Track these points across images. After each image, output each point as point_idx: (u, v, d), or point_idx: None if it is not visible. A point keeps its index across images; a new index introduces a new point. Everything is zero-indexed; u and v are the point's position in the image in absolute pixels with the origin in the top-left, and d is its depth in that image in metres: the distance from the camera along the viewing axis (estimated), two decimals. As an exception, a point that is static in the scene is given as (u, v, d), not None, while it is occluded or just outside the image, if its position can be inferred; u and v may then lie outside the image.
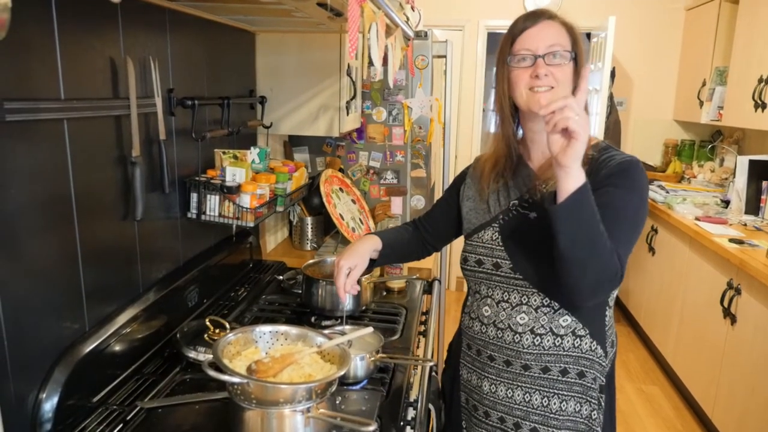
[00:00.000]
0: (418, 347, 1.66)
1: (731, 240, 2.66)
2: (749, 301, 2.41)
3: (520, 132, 1.24)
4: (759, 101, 2.96)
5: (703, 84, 3.70)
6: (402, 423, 1.19)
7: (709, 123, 3.65)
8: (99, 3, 1.13)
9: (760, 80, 2.96)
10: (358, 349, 1.31)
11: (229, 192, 1.55)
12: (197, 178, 1.57)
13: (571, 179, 0.95)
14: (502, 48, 1.16)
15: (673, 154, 4.22)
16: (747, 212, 3.14)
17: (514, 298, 1.17)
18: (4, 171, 0.93)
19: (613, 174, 1.08)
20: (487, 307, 1.21)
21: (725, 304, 2.59)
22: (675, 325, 3.21)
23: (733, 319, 2.53)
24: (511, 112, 1.19)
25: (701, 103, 3.71)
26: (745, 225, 2.96)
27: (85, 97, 1.12)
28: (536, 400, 1.17)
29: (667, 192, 3.61)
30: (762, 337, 2.31)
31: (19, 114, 0.94)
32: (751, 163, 3.13)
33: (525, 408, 1.18)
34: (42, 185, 1.02)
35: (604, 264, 0.99)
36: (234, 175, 1.59)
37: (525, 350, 1.16)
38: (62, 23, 1.03)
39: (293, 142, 2.58)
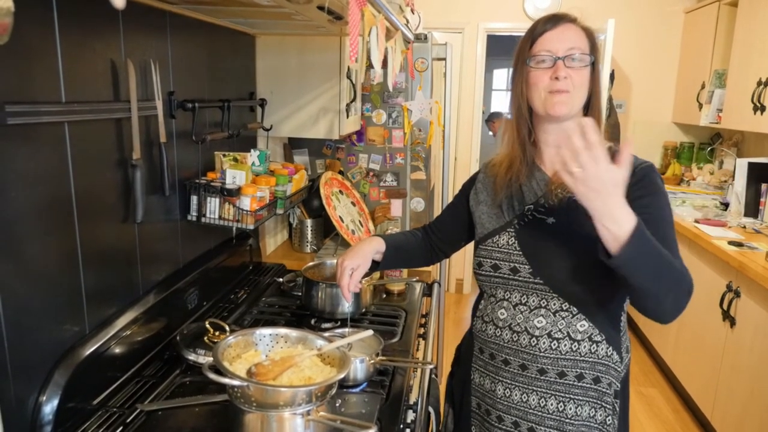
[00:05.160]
0: (417, 350, 1.66)
1: (730, 242, 2.66)
2: (748, 304, 2.42)
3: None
4: (758, 104, 2.97)
5: (702, 86, 3.70)
6: (402, 426, 1.19)
7: (708, 125, 3.66)
8: (100, 6, 1.13)
9: (759, 83, 2.97)
10: (358, 351, 1.31)
11: (229, 194, 1.55)
12: (197, 181, 1.57)
13: (616, 226, 0.93)
14: (520, 49, 1.16)
15: (673, 156, 4.22)
16: (746, 215, 3.14)
17: (533, 301, 1.17)
18: (5, 174, 0.93)
19: (640, 188, 1.09)
20: (503, 310, 1.21)
21: (724, 306, 2.59)
22: (674, 327, 3.21)
23: (733, 322, 2.53)
24: (527, 115, 1.19)
25: (700, 106, 3.72)
26: (745, 227, 2.96)
27: (86, 100, 1.12)
28: (551, 405, 1.16)
29: (667, 194, 3.62)
30: (761, 339, 2.31)
31: (20, 117, 0.94)
32: (750, 165, 3.13)
33: (540, 413, 1.17)
34: (43, 188, 1.02)
35: (678, 287, 1.01)
36: (234, 177, 1.60)
37: (542, 354, 1.15)
38: (63, 26, 1.03)
39: (293, 145, 2.58)
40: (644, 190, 1.10)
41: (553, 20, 1.14)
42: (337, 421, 1.00)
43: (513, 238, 1.19)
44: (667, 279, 0.99)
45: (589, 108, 1.16)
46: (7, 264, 0.95)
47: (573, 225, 1.13)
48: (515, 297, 1.19)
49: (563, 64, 1.10)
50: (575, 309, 1.14)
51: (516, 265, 1.18)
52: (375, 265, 1.35)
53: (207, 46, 1.65)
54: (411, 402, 1.31)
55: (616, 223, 0.93)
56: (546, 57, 1.12)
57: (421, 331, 1.76)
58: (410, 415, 1.25)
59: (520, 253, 1.18)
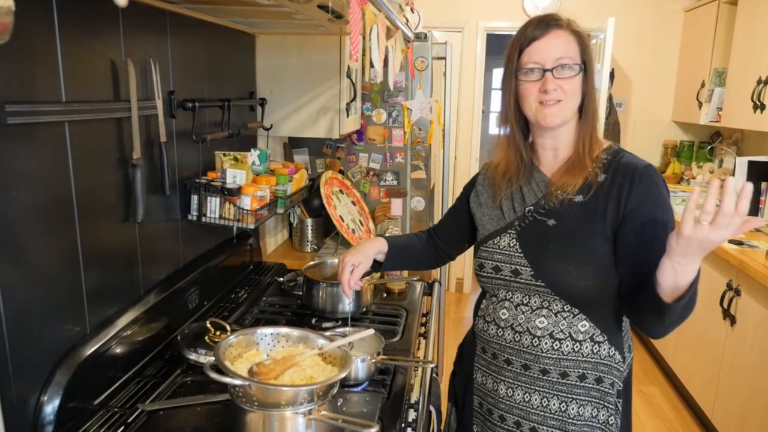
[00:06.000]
0: (418, 349, 1.66)
1: (730, 241, 2.66)
2: (749, 302, 2.42)
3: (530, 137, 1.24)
4: (758, 102, 2.97)
5: (702, 85, 3.70)
6: (403, 425, 1.19)
7: (708, 124, 3.65)
8: (100, 6, 1.13)
9: (759, 81, 2.97)
10: (359, 350, 1.31)
11: (229, 194, 1.55)
12: (198, 180, 1.57)
13: (685, 276, 0.95)
14: (509, 57, 1.14)
15: (672, 155, 4.22)
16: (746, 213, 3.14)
17: (535, 301, 1.17)
18: (5, 174, 0.93)
19: (644, 196, 1.09)
20: (504, 310, 1.21)
21: (725, 305, 2.59)
22: (675, 326, 3.21)
23: (733, 320, 2.53)
24: (518, 121, 1.19)
25: (700, 105, 3.71)
26: (745, 226, 2.96)
27: (86, 99, 1.12)
28: (554, 404, 1.17)
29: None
30: (761, 338, 2.31)
31: (20, 117, 0.94)
32: (750, 164, 3.13)
33: (542, 413, 1.17)
34: (43, 188, 1.02)
35: (686, 318, 1.03)
36: (234, 177, 1.59)
37: (544, 354, 1.15)
38: (63, 26, 1.03)
39: (293, 144, 2.58)
40: (645, 198, 1.09)
41: (542, 26, 1.11)
42: (339, 420, 1.00)
43: (514, 240, 1.19)
44: (685, 316, 1.03)
45: (583, 111, 1.16)
46: (8, 264, 0.95)
47: (573, 227, 1.13)
48: (517, 297, 1.19)
49: (552, 76, 1.09)
50: (576, 309, 1.14)
51: (517, 267, 1.18)
52: (378, 266, 1.36)
53: (207, 46, 1.65)
54: (412, 401, 1.31)
55: (686, 272, 0.95)
56: (535, 68, 1.10)
57: (422, 330, 1.76)
58: (411, 414, 1.25)
59: (522, 255, 1.17)
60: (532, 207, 1.19)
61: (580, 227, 1.12)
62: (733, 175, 3.30)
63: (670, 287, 0.97)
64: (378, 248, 1.34)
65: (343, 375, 1.01)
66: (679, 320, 1.03)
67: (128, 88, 1.22)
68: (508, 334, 1.19)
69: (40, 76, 1.00)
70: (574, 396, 1.16)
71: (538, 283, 1.15)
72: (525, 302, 1.18)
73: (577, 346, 1.14)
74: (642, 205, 1.09)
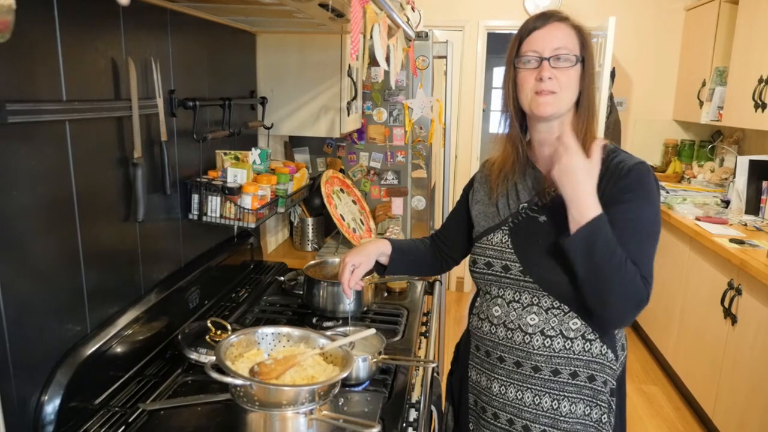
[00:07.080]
0: (419, 348, 1.66)
1: (732, 240, 2.66)
2: (750, 302, 2.41)
3: (528, 134, 1.24)
4: (759, 101, 2.97)
5: (703, 84, 3.70)
6: (404, 424, 1.19)
7: (709, 123, 3.65)
8: (101, 4, 1.12)
9: (760, 80, 2.96)
10: (361, 350, 1.31)
11: (230, 193, 1.54)
12: (198, 180, 1.57)
13: (579, 213, 1.03)
14: (510, 49, 1.16)
15: (673, 154, 4.22)
16: (747, 212, 3.14)
17: (525, 298, 1.17)
18: (6, 173, 0.93)
19: (628, 186, 1.09)
20: (497, 308, 1.21)
21: (726, 304, 2.59)
22: (675, 325, 3.21)
23: (734, 320, 2.53)
24: (518, 114, 1.19)
25: (701, 104, 3.71)
26: (746, 225, 2.96)
27: (87, 98, 1.11)
28: (546, 402, 1.17)
29: (667, 192, 3.62)
30: (763, 337, 2.31)
31: (21, 116, 0.94)
32: (751, 163, 3.13)
33: (534, 410, 1.17)
34: (44, 187, 1.02)
35: (625, 292, 1.03)
36: (235, 176, 1.59)
37: (535, 351, 1.15)
38: (64, 25, 1.03)
39: (294, 143, 2.58)
40: (629, 188, 1.09)
41: (542, 19, 1.13)
42: (340, 419, 0.99)
43: (507, 236, 1.20)
44: (611, 279, 1.02)
45: (579, 106, 1.16)
46: (9, 263, 0.95)
47: (563, 223, 1.12)
48: (508, 294, 1.19)
49: (548, 65, 1.10)
50: (567, 307, 1.14)
51: (508, 263, 1.18)
52: (382, 269, 1.35)
53: (208, 45, 1.64)
54: (413, 400, 1.31)
55: (580, 209, 1.03)
56: (532, 57, 1.11)
57: (423, 329, 1.76)
58: (413, 414, 1.25)
59: (512, 251, 1.18)
60: (526, 204, 1.20)
61: (568, 224, 1.12)
62: (734, 173, 3.30)
63: (573, 230, 1.04)
64: (380, 249, 1.34)
65: (344, 375, 1.01)
66: (598, 275, 1.03)
67: (129, 86, 1.21)
68: (501, 331, 1.20)
69: (41, 74, 0.99)
70: (566, 393, 1.16)
71: (526, 279, 1.15)
72: (516, 299, 1.18)
73: (568, 344, 1.14)
74: (623, 195, 1.08)
